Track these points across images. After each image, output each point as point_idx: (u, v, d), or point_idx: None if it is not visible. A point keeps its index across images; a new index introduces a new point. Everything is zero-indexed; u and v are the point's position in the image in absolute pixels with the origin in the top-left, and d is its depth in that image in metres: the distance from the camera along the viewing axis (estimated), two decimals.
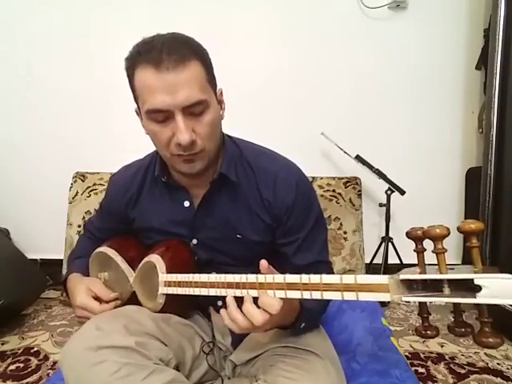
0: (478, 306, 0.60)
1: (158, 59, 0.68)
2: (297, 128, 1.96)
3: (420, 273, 0.48)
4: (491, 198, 1.62)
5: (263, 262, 0.62)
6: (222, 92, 0.82)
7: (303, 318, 0.75)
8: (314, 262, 0.83)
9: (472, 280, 0.42)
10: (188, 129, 0.71)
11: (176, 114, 0.70)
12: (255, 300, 0.62)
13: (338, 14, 1.89)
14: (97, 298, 0.84)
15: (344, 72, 1.92)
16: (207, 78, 0.73)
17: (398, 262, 1.83)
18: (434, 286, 0.46)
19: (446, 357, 1.36)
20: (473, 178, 1.90)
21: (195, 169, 0.77)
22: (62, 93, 2.00)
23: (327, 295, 0.54)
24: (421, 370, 1.28)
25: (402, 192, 1.77)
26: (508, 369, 1.27)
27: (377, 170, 1.78)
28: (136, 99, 0.76)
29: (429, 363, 1.32)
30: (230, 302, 0.64)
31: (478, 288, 0.42)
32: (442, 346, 1.43)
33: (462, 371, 1.26)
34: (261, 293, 0.61)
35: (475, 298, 0.42)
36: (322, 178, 1.85)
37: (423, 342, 1.47)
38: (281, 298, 0.60)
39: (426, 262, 0.52)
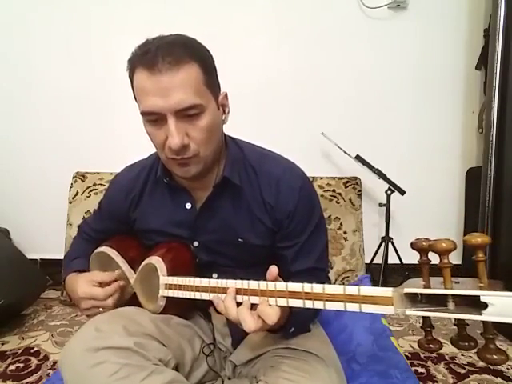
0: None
1: (152, 62, 0.67)
2: (297, 128, 1.95)
3: (424, 286, 0.47)
4: (491, 198, 1.62)
5: (273, 270, 0.61)
6: (226, 96, 0.79)
7: (293, 323, 0.73)
8: (312, 268, 0.82)
9: (478, 297, 0.41)
10: (180, 133, 0.69)
11: (168, 117, 0.68)
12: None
13: (338, 14, 1.89)
14: (99, 286, 0.83)
15: (344, 72, 1.92)
16: (206, 82, 0.71)
17: (398, 262, 1.83)
18: (438, 301, 0.45)
19: (446, 357, 1.35)
20: (473, 177, 1.90)
21: (190, 173, 0.76)
22: (62, 93, 2.00)
23: (330, 305, 0.53)
24: (421, 370, 1.28)
25: (402, 192, 1.77)
26: (508, 369, 1.27)
27: (377, 170, 1.78)
28: (136, 100, 0.75)
29: (429, 363, 1.32)
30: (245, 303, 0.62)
31: (484, 305, 0.41)
32: (442, 346, 1.43)
33: (462, 371, 1.26)
34: (262, 301, 0.59)
35: (481, 315, 0.41)
36: (322, 178, 1.85)
37: None
38: (279, 306, 0.58)
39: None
